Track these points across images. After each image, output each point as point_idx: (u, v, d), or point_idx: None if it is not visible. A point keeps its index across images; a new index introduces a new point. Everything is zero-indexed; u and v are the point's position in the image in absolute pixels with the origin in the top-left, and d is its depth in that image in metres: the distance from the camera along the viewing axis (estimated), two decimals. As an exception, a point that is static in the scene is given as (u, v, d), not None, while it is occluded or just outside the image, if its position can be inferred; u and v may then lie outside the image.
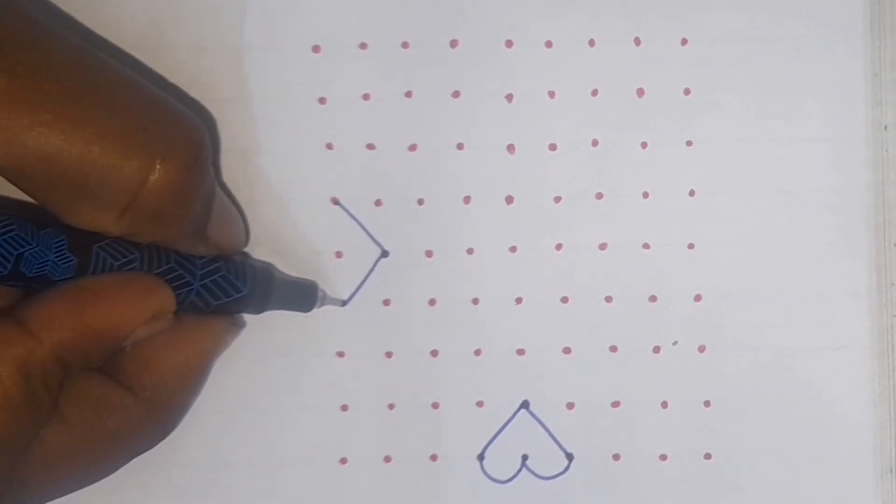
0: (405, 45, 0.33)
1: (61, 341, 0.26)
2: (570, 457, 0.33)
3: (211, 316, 0.30)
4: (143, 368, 0.28)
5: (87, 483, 0.29)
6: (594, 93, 0.33)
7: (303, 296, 0.32)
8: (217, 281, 0.29)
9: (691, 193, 0.33)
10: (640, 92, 0.33)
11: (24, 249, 0.26)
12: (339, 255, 0.33)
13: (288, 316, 0.33)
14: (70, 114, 0.25)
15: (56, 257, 0.26)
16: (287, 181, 0.32)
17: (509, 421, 0.33)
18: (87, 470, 0.28)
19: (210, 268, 0.29)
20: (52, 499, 0.28)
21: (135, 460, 0.32)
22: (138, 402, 0.28)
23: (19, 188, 0.26)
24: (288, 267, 0.33)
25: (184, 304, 0.29)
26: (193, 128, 0.28)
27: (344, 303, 0.33)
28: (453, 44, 0.33)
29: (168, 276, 0.28)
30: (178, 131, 0.27)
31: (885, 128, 0.33)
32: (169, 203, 0.27)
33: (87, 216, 0.26)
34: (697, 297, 0.33)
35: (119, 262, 0.27)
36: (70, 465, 0.27)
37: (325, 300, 0.32)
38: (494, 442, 0.33)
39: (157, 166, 0.26)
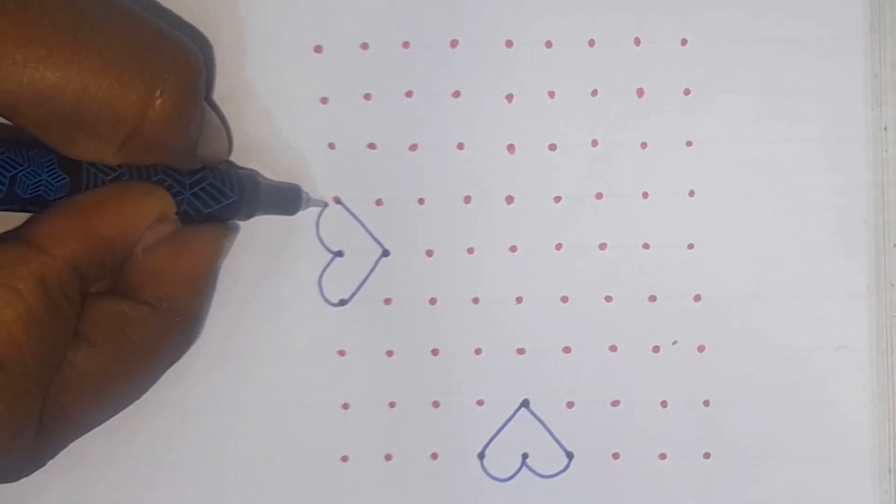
0: (406, 45, 0.33)
1: (73, 253, 0.26)
2: (570, 455, 0.33)
3: (206, 224, 0.30)
4: (153, 282, 0.28)
5: (124, 404, 0.29)
6: (594, 93, 0.33)
7: (288, 198, 0.32)
8: (206, 189, 0.29)
9: (691, 194, 0.33)
10: (640, 92, 0.33)
11: (16, 171, 0.26)
12: (340, 253, 0.33)
13: (288, 314, 0.33)
14: (65, 48, 0.25)
15: (49, 176, 0.26)
16: (289, 180, 0.33)
17: (510, 419, 0.33)
18: (122, 389, 0.28)
19: (197, 177, 0.29)
20: (94, 424, 0.29)
21: (135, 457, 0.33)
22: (156, 313, 0.28)
23: (15, 124, 0.26)
24: (290, 265, 0.33)
25: (177, 213, 0.29)
26: (190, 55, 0.27)
27: (326, 204, 0.33)
28: (454, 44, 0.33)
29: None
30: (176, 61, 0.27)
31: (885, 128, 0.33)
32: (168, 132, 0.27)
33: (86, 150, 0.27)
34: (697, 297, 0.33)
35: (110, 178, 0.27)
36: (105, 384, 0.27)
37: (309, 202, 0.32)
38: (495, 440, 0.33)
39: (157, 97, 0.26)
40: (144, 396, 0.32)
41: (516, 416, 0.33)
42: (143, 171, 0.28)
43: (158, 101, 0.26)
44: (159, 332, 0.28)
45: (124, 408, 0.29)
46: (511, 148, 0.33)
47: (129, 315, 0.28)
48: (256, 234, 0.33)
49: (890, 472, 0.33)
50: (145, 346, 0.28)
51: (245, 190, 0.31)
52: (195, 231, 0.29)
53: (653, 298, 0.33)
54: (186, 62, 0.27)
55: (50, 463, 0.30)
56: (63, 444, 0.28)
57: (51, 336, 0.26)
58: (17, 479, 0.27)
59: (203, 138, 0.29)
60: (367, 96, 0.33)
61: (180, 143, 0.28)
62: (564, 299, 0.33)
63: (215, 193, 0.30)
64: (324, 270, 0.33)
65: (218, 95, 0.33)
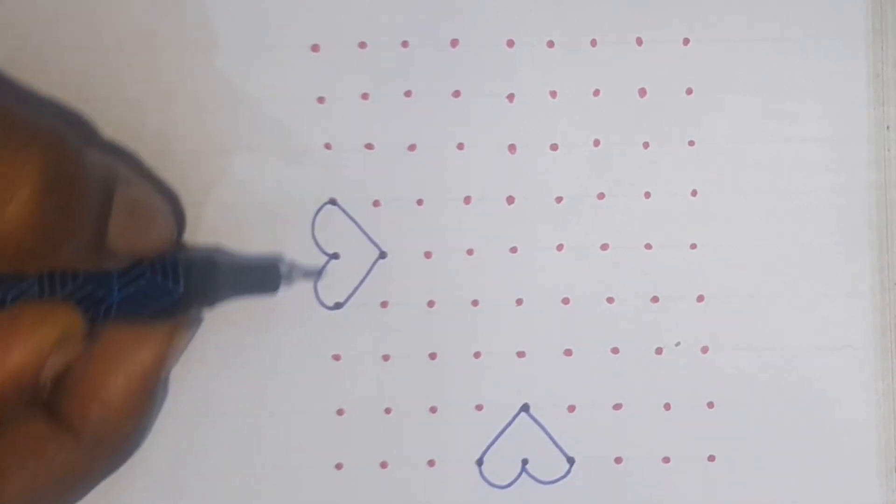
0: (405, 44, 0.32)
1: None
2: (571, 461, 0.33)
3: (147, 326, 0.26)
4: (82, 402, 0.25)
5: None
6: (596, 93, 0.33)
7: (263, 277, 0.29)
8: (142, 288, 0.26)
9: (693, 193, 0.33)
10: (642, 92, 0.33)
11: None
12: (336, 256, 0.33)
13: (282, 318, 0.32)
14: None
15: None
16: (285, 181, 0.32)
17: (509, 424, 0.33)
18: None
19: (130, 275, 0.26)
20: None
21: (124, 466, 0.31)
22: (81, 439, 0.25)
23: None
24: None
25: (109, 321, 0.26)
26: (47, 136, 0.24)
27: (319, 273, 0.30)
28: (453, 43, 0.32)
29: (78, 296, 0.25)
30: (24, 148, 0.23)
31: (888, 127, 0.33)
32: (33, 236, 0.24)
33: None
34: (700, 298, 0.33)
35: (12, 296, 0.24)
36: None
37: (293, 274, 0.30)
38: (494, 446, 0.33)
39: (8, 202, 0.23)
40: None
41: (516, 420, 0.33)
42: (58, 279, 0.25)
43: (10, 207, 0.23)
44: (83, 460, 0.26)
45: None
46: (512, 148, 0.33)
47: (48, 441, 0.25)
48: (252, 235, 0.32)
49: (895, 471, 0.33)
50: (66, 473, 0.25)
51: (195, 279, 0.27)
52: (131, 336, 0.26)
53: (655, 299, 0.33)
54: (42, 146, 0.23)
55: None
56: None
57: None
58: None
59: (117, 229, 0.26)
60: (365, 96, 0.33)
61: (62, 243, 0.24)
62: (566, 301, 0.33)
63: (156, 291, 0.26)
64: (319, 273, 0.33)
65: (212, 95, 0.32)
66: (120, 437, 0.26)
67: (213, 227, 0.32)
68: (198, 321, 0.30)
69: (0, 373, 0.23)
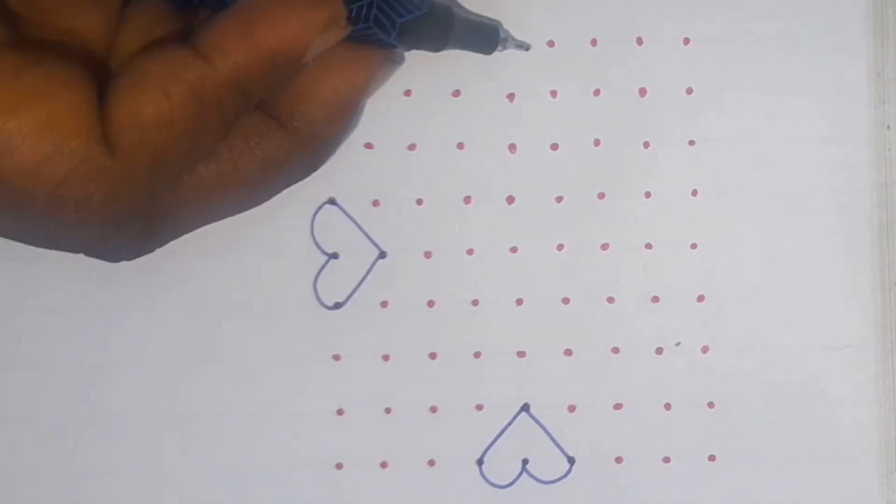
0: (405, 44, 0.33)
1: (236, 66, 0.25)
2: (571, 460, 0.33)
3: (365, 48, 0.28)
4: (292, 98, 0.27)
5: (237, 210, 0.29)
6: (596, 92, 0.33)
7: (485, 33, 0.31)
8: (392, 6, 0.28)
9: (694, 193, 0.33)
10: (643, 91, 0.33)
11: None
12: (335, 255, 0.33)
13: (282, 317, 0.32)
14: None
15: None
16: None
17: (509, 424, 0.33)
18: (234, 200, 0.28)
19: None
20: (200, 226, 0.28)
21: (128, 462, 0.32)
22: (286, 133, 0.27)
23: None
24: (285, 267, 0.32)
25: (368, 17, 0.27)
26: None
27: (528, 46, 0.32)
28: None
29: None
30: None
31: (888, 127, 0.33)
32: None
33: None
34: (700, 298, 0.33)
35: None
36: (217, 194, 0.27)
37: (509, 43, 0.31)
38: (494, 446, 0.33)
39: None
40: (134, 404, 0.32)
41: (516, 420, 0.33)
42: None
43: None
44: (284, 153, 0.28)
45: (235, 214, 0.28)
46: (512, 147, 0.33)
47: (257, 128, 0.27)
48: (250, 235, 0.32)
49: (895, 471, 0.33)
50: (267, 164, 0.27)
51: (438, 8, 0.29)
52: (350, 53, 0.28)
53: (655, 299, 0.33)
54: None
55: (48, 465, 0.31)
56: (168, 239, 0.27)
57: (182, 144, 0.25)
58: (120, 260, 0.27)
59: None
60: (365, 95, 0.33)
61: None
62: (566, 301, 0.33)
63: (405, 2, 0.28)
64: (319, 272, 0.33)
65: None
66: (320, 139, 0.28)
67: (210, 227, 0.32)
68: (400, 60, 0.30)
69: (273, 46, 0.26)
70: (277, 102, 0.27)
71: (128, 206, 0.25)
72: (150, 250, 0.27)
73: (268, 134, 0.27)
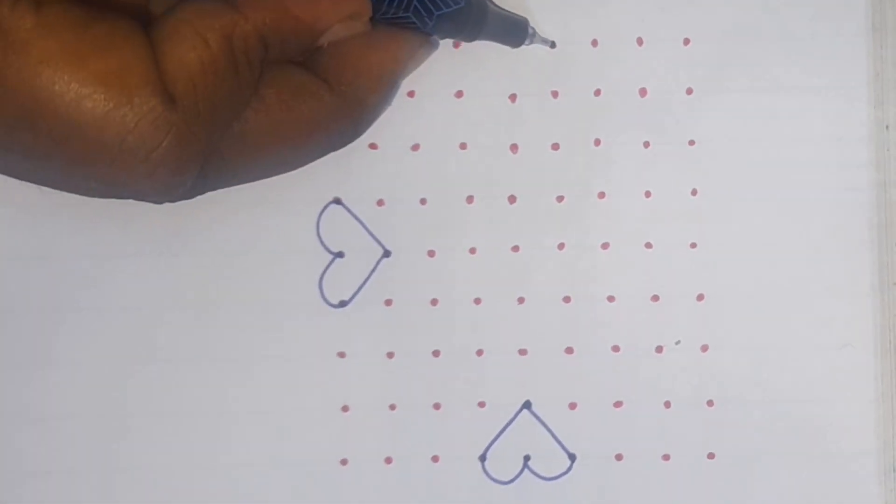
0: (408, 44, 0.33)
1: (264, 20, 0.27)
2: (572, 457, 0.33)
3: (406, 32, 0.30)
4: (341, 65, 0.29)
5: (280, 168, 0.30)
6: (597, 92, 0.33)
7: (514, 27, 0.32)
8: None
9: (693, 193, 0.33)
10: (643, 91, 0.33)
11: None
12: (340, 254, 0.33)
13: (287, 315, 0.33)
14: None
15: None
16: (289, 180, 0.32)
17: (511, 421, 0.33)
18: (281, 153, 0.29)
19: None
20: (248, 179, 0.29)
21: (132, 459, 0.32)
22: (334, 95, 0.29)
23: None
24: (290, 266, 0.33)
25: (408, 7, 0.29)
26: None
27: (553, 44, 0.33)
28: (457, 44, 0.33)
29: None
30: None
31: (888, 127, 0.33)
32: None
33: None
34: (700, 297, 0.33)
35: None
36: (266, 144, 0.28)
37: (535, 38, 0.32)
38: (496, 443, 0.33)
39: None
40: (139, 397, 0.33)
41: (518, 417, 0.33)
42: None
43: None
44: (330, 113, 0.29)
45: (277, 173, 0.30)
46: (514, 147, 0.33)
47: (307, 87, 0.29)
48: (257, 234, 0.33)
49: (894, 470, 0.33)
50: (313, 121, 0.29)
51: (471, 9, 0.30)
52: (393, 34, 0.30)
53: (655, 298, 0.33)
54: None
55: (48, 465, 0.32)
56: (213, 187, 0.29)
57: (226, 89, 0.27)
58: (164, 202, 0.28)
59: None
60: (369, 96, 0.33)
61: None
62: (567, 299, 0.33)
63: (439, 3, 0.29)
64: (324, 271, 0.33)
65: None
66: (363, 106, 0.30)
67: (216, 226, 0.33)
68: (436, 45, 0.31)
69: (299, 14, 0.28)
70: (327, 68, 0.29)
71: (191, 154, 0.26)
72: (198, 194, 0.28)
73: (317, 94, 0.29)
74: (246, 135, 0.28)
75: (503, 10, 0.32)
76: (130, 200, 0.28)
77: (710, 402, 0.33)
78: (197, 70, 0.26)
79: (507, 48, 0.32)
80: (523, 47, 0.32)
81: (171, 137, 0.26)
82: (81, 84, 0.25)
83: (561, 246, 0.33)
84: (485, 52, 0.33)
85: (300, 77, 0.29)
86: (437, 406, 0.33)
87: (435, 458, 0.33)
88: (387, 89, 0.30)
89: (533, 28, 0.32)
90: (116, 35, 0.26)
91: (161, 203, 0.28)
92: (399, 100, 0.33)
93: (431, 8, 0.29)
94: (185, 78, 0.26)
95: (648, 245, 0.33)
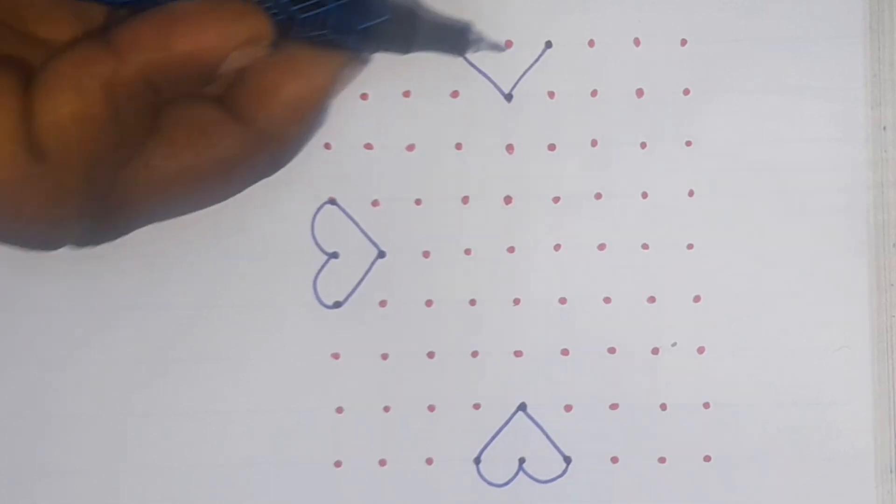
0: (404, 45, 0.33)
1: (148, 62, 0.25)
2: (567, 460, 0.33)
3: (327, 50, 0.28)
4: (255, 97, 0.28)
5: (197, 206, 0.29)
6: (593, 93, 0.33)
7: (453, 35, 0.31)
8: (355, 4, 0.27)
9: (690, 194, 0.33)
10: (640, 92, 0.33)
11: None
12: (335, 255, 0.33)
13: (281, 316, 0.33)
14: None
15: None
16: (282, 180, 0.32)
17: (506, 423, 0.33)
18: (197, 193, 0.28)
19: None
20: (165, 218, 0.29)
21: (124, 460, 0.32)
22: (248, 131, 0.28)
23: None
24: (285, 266, 0.33)
25: (325, 25, 0.27)
26: None
27: (502, 48, 0.32)
28: (452, 44, 0.33)
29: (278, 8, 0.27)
30: None
31: (885, 128, 0.33)
32: None
33: None
34: (696, 298, 0.33)
35: None
36: (177, 186, 0.28)
37: (482, 44, 0.31)
38: (491, 445, 0.33)
39: None
40: (133, 398, 0.33)
41: (513, 419, 0.33)
42: None
43: None
44: (245, 151, 0.28)
45: (196, 210, 0.29)
46: (510, 148, 0.33)
47: (218, 126, 0.28)
48: (250, 234, 0.33)
49: (891, 471, 0.33)
50: (226, 160, 0.28)
51: (399, 11, 0.29)
52: (312, 55, 0.28)
53: (652, 299, 0.33)
54: None
55: (49, 465, 0.32)
56: (131, 229, 0.28)
57: (108, 139, 0.26)
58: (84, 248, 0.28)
59: None
60: (364, 96, 0.33)
61: None
62: (562, 301, 0.33)
63: (364, 9, 0.28)
64: (319, 272, 0.33)
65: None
66: (280, 140, 0.29)
67: (210, 227, 0.32)
68: (364, 61, 0.30)
69: (186, 51, 0.26)
70: (240, 101, 0.28)
71: (67, 209, 0.26)
72: (112, 239, 0.28)
73: (230, 132, 0.28)
74: (155, 178, 0.27)
75: (438, 16, 0.31)
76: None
77: (706, 405, 0.33)
78: (69, 124, 0.25)
79: (501, 47, 0.32)
80: (471, 53, 0.32)
81: (40, 195, 0.25)
82: None
83: (557, 247, 0.33)
84: (481, 53, 0.32)
85: (211, 115, 0.28)
86: (431, 408, 0.33)
87: (429, 461, 0.33)
88: (307, 119, 0.29)
89: (477, 33, 0.31)
90: None
91: (80, 248, 0.27)
92: (394, 100, 0.33)
93: (351, 23, 0.28)
94: (56, 133, 0.25)
95: (645, 246, 0.33)
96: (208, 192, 0.29)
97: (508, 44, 0.33)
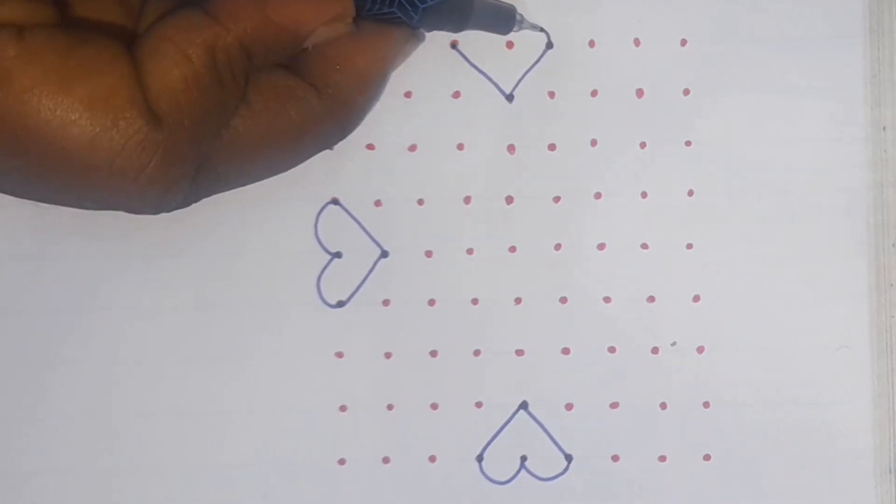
0: (405, 45, 0.33)
1: (245, 31, 0.27)
2: (569, 458, 0.33)
3: (392, 25, 0.30)
4: (327, 68, 0.29)
5: (271, 171, 0.30)
6: (594, 93, 0.33)
7: (502, 15, 0.32)
8: None
9: (690, 194, 0.33)
10: (640, 92, 0.33)
11: None
12: (338, 255, 0.33)
13: (285, 316, 0.33)
14: None
15: None
16: (287, 181, 0.32)
17: (508, 422, 0.33)
18: (270, 157, 0.29)
19: None
20: (240, 184, 0.29)
21: (130, 460, 0.33)
22: (320, 98, 0.29)
23: None
24: (288, 266, 0.33)
25: (392, 3, 0.29)
26: None
27: (542, 29, 0.33)
28: (454, 43, 0.33)
29: None
30: None
31: (884, 128, 0.33)
32: None
33: None
34: (696, 298, 0.33)
35: None
36: (254, 149, 0.29)
37: (524, 24, 0.32)
38: (493, 443, 0.33)
39: None
40: (137, 398, 0.33)
41: (515, 418, 0.33)
42: None
43: None
44: (317, 116, 0.29)
45: (268, 176, 0.30)
46: (511, 148, 0.33)
47: (293, 91, 0.29)
48: (254, 234, 0.33)
49: (890, 471, 0.33)
50: (301, 125, 0.29)
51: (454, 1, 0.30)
52: (378, 29, 0.30)
53: (651, 299, 0.33)
54: None
55: (47, 465, 0.32)
56: (207, 195, 0.29)
57: (211, 103, 0.27)
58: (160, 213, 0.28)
59: None
60: (366, 97, 0.33)
61: None
62: (563, 300, 0.33)
63: None
64: (322, 272, 0.33)
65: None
66: (350, 107, 0.30)
67: (214, 227, 0.33)
68: (422, 38, 0.31)
69: (281, 22, 0.27)
70: (313, 70, 0.29)
71: (180, 171, 0.27)
72: (192, 203, 0.29)
73: (303, 98, 0.29)
74: (235, 142, 0.28)
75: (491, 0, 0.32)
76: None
77: (706, 404, 0.33)
78: (181, 87, 0.26)
79: (501, 48, 0.32)
80: (511, 35, 0.32)
81: (158, 157, 0.26)
82: (67, 110, 0.25)
83: (558, 247, 0.33)
84: (482, 53, 0.33)
85: (286, 81, 0.29)
86: (434, 406, 0.33)
87: (432, 459, 0.33)
88: (374, 89, 0.30)
89: (521, 14, 0.32)
90: (100, 59, 0.26)
91: (157, 214, 0.28)
92: (396, 100, 0.33)
93: (416, 2, 0.29)
94: (169, 96, 0.26)
95: (645, 246, 0.33)
96: (280, 157, 0.30)
97: (509, 45, 0.33)
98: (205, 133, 0.27)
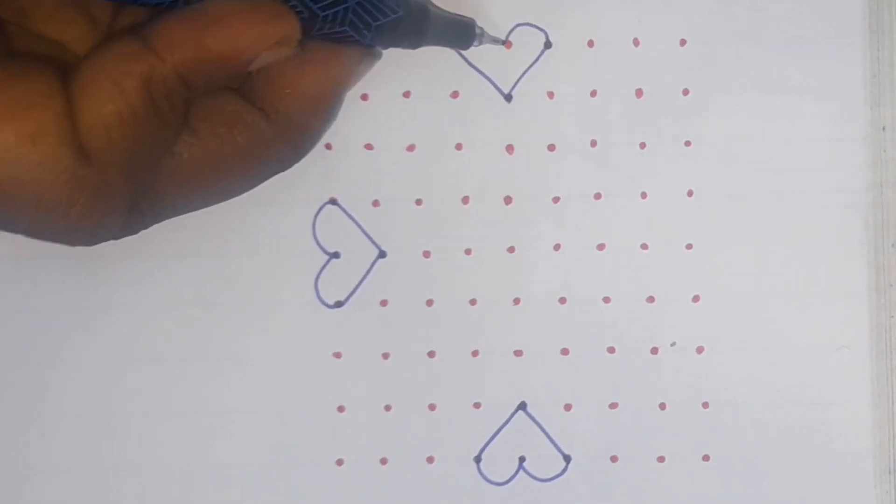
0: (404, 45, 0.33)
1: (183, 60, 0.26)
2: (567, 459, 0.33)
3: (344, 45, 0.29)
4: (276, 92, 0.28)
5: (220, 197, 0.29)
6: (593, 93, 0.33)
7: (460, 30, 0.31)
8: (372, 1, 0.28)
9: (689, 194, 0.33)
10: (639, 92, 0.33)
11: None
12: (336, 255, 0.33)
13: (283, 316, 0.33)
14: None
15: None
16: (285, 181, 0.32)
17: (506, 422, 0.33)
18: (219, 183, 0.29)
19: None
20: (191, 209, 0.29)
21: (127, 460, 0.33)
22: (269, 122, 0.28)
23: None
24: (286, 266, 0.33)
25: (343, 22, 0.28)
26: None
27: (504, 41, 0.32)
28: (453, 43, 0.33)
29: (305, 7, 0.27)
30: None
31: (884, 128, 0.33)
32: None
33: None
34: (695, 298, 0.33)
35: None
36: (201, 177, 0.28)
37: (485, 38, 0.32)
38: (491, 444, 0.33)
39: None
40: (135, 401, 0.33)
41: (513, 418, 0.33)
42: None
43: None
44: (267, 141, 0.28)
45: (219, 202, 0.29)
46: (510, 148, 0.33)
47: (241, 117, 0.28)
48: (252, 234, 0.33)
49: (890, 472, 0.33)
50: (250, 151, 0.28)
51: (413, 9, 0.30)
52: (328, 49, 0.29)
53: (651, 299, 0.33)
54: None
55: (47, 465, 0.32)
56: (155, 221, 0.28)
57: (147, 135, 0.26)
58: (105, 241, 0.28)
59: None
60: (365, 97, 0.33)
61: None
62: (562, 300, 0.33)
63: (382, 7, 0.28)
64: (320, 272, 0.33)
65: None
66: (302, 131, 0.29)
67: (212, 227, 0.33)
68: (377, 56, 0.30)
69: (220, 49, 0.26)
70: (261, 94, 0.28)
71: (111, 205, 0.26)
72: (136, 232, 0.28)
73: (251, 123, 0.28)
74: (180, 169, 0.28)
75: (446, 13, 0.31)
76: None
77: (705, 404, 0.33)
78: (114, 123, 0.26)
79: (500, 48, 0.32)
80: (475, 48, 0.32)
81: (88, 194, 0.26)
82: None
83: (556, 247, 0.33)
84: (480, 53, 0.32)
85: (234, 106, 0.28)
86: (432, 407, 0.33)
87: (430, 459, 0.33)
88: (327, 110, 0.29)
89: (481, 28, 0.32)
90: (33, 94, 0.25)
91: (92, 246, 0.27)
92: (395, 101, 0.33)
93: (368, 20, 0.28)
94: (101, 133, 0.25)
95: (644, 246, 0.33)
96: (231, 183, 0.29)
97: (508, 45, 0.33)
98: (141, 165, 0.26)
